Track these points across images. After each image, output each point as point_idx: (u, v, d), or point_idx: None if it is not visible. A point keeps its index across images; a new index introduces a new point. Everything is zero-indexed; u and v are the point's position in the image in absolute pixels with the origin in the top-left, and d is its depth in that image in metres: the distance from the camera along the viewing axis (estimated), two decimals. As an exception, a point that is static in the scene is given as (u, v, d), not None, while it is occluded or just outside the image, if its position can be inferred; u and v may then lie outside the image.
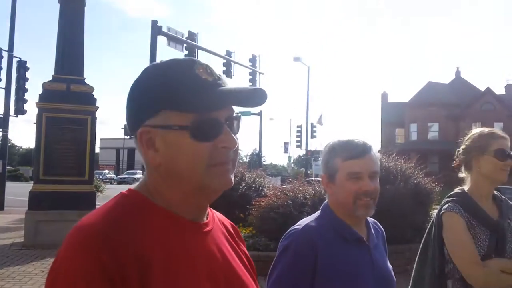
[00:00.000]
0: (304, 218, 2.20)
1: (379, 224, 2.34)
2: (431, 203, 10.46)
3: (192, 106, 1.13)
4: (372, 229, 2.19)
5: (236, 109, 1.24)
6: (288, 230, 2.14)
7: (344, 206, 2.09)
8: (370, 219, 2.25)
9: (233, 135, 1.20)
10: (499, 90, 56.88)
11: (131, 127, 1.22)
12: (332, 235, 2.06)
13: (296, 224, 2.16)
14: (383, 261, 2.17)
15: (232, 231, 1.46)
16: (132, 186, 1.26)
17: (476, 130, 2.83)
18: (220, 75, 1.22)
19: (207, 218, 1.30)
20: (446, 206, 2.73)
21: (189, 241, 1.19)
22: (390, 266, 2.21)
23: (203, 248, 1.22)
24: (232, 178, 1.22)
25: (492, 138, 2.70)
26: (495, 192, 2.81)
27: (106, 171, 61.90)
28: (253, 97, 1.18)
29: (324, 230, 2.07)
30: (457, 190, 2.83)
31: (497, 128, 2.86)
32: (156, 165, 1.18)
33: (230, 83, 1.23)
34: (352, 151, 2.06)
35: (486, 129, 2.79)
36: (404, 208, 8.81)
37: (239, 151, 1.26)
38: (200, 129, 1.14)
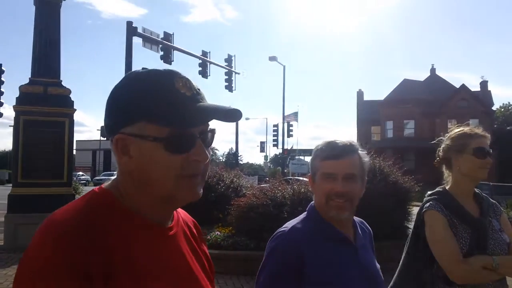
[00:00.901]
0: (291, 220, 2.22)
1: (366, 224, 2.36)
2: (410, 200, 10.59)
3: (169, 121, 1.16)
4: (359, 229, 2.21)
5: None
6: (275, 233, 2.16)
7: (319, 206, 2.14)
8: (357, 219, 2.27)
9: (206, 149, 1.24)
10: (474, 87, 57.59)
11: (108, 132, 1.26)
12: (318, 236, 2.08)
13: (283, 226, 2.18)
14: (371, 261, 2.19)
15: (194, 231, 1.51)
16: (104, 184, 1.30)
17: (456, 129, 2.85)
18: (198, 89, 1.25)
19: (172, 221, 1.35)
20: (427, 204, 2.75)
21: (153, 245, 1.24)
22: (378, 266, 2.23)
23: (166, 252, 1.27)
24: (200, 191, 1.26)
25: (471, 137, 2.73)
26: (476, 190, 2.84)
27: (80, 173, 60.04)
28: (229, 115, 1.21)
29: (310, 232, 2.09)
30: (438, 188, 2.86)
31: (473, 125, 2.89)
32: (129, 170, 1.23)
33: (207, 98, 1.28)
34: (329, 151, 2.09)
35: (466, 128, 2.80)
36: (383, 206, 8.92)
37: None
38: (174, 143, 1.17)
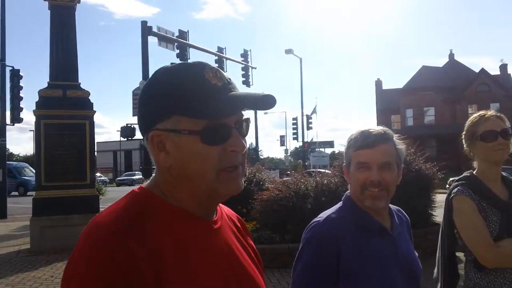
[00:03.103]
0: (326, 210, 2.18)
1: (403, 212, 2.32)
2: (433, 188, 10.50)
3: (202, 113, 1.15)
4: (395, 217, 2.17)
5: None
6: (310, 223, 2.12)
7: (354, 196, 2.10)
8: (393, 207, 2.23)
9: (242, 139, 1.22)
10: (494, 71, 56.96)
11: (143, 129, 1.25)
12: (353, 226, 2.04)
13: (318, 216, 2.15)
14: (408, 249, 2.15)
15: (239, 225, 1.49)
16: (144, 184, 1.28)
17: (470, 118, 2.86)
18: (229, 79, 1.24)
19: (216, 215, 1.33)
20: (455, 189, 2.73)
21: (200, 239, 1.22)
22: (416, 254, 2.19)
23: (213, 245, 1.25)
24: (242, 184, 1.25)
25: (478, 123, 2.74)
26: (504, 174, 2.80)
27: (98, 174, 58.26)
28: (262, 103, 1.19)
29: (346, 221, 2.05)
30: (465, 173, 2.84)
31: (494, 109, 2.88)
32: (167, 166, 1.21)
33: (239, 87, 1.26)
34: (363, 141, 2.04)
35: (476, 114, 2.82)
36: (407, 194, 8.84)
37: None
38: (210, 134, 1.16)
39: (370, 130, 2.07)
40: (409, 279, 2.07)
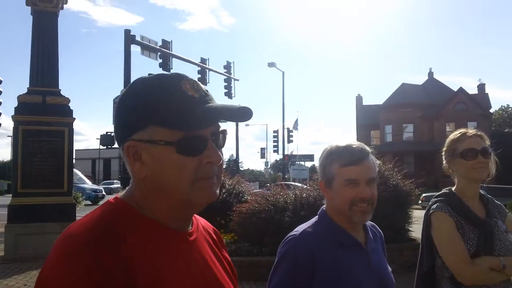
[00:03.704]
0: (302, 224, 2.19)
1: (377, 227, 2.34)
2: (410, 204, 10.56)
3: (179, 124, 1.15)
4: (370, 233, 2.19)
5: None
6: (286, 237, 2.13)
7: (340, 211, 2.10)
8: (368, 223, 2.24)
9: (218, 150, 1.23)
10: (472, 90, 57.63)
11: (119, 139, 1.25)
12: (329, 240, 2.06)
13: (294, 230, 2.15)
14: (382, 265, 2.17)
15: (215, 237, 1.49)
16: (119, 195, 1.28)
17: (450, 135, 2.90)
18: (206, 91, 1.25)
19: (191, 227, 1.33)
20: (434, 206, 2.76)
21: (174, 251, 1.22)
22: (390, 269, 2.21)
23: (187, 257, 1.25)
24: (217, 192, 1.25)
25: (459, 140, 2.77)
26: (482, 192, 2.85)
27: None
28: (239, 114, 1.19)
29: (321, 236, 2.07)
30: (444, 190, 2.87)
31: (471, 127, 2.92)
32: (142, 177, 1.21)
33: (216, 99, 1.26)
34: (349, 157, 2.05)
35: (456, 132, 2.86)
36: (384, 209, 8.88)
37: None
38: (186, 145, 1.16)
39: (353, 146, 2.09)
40: None
